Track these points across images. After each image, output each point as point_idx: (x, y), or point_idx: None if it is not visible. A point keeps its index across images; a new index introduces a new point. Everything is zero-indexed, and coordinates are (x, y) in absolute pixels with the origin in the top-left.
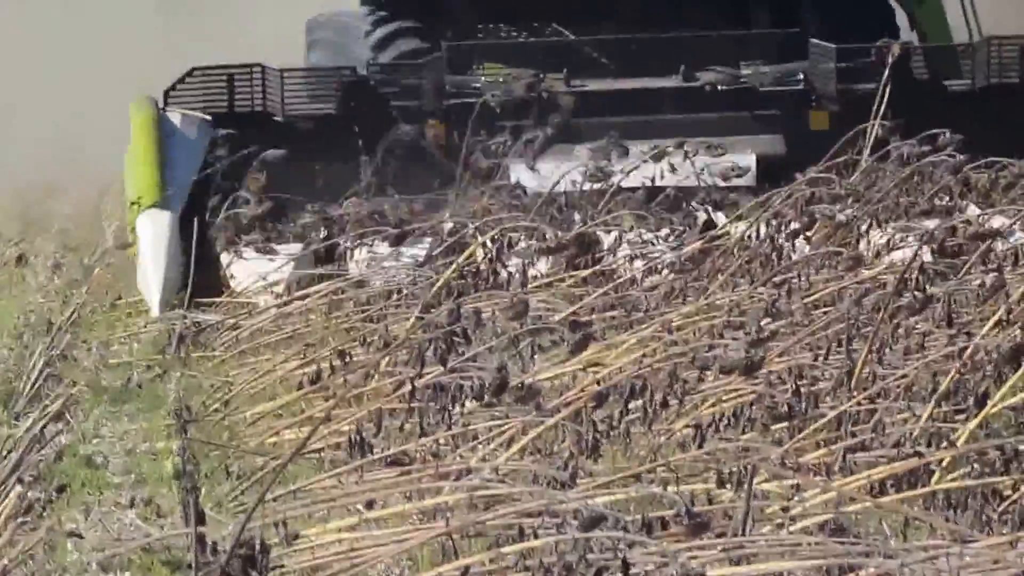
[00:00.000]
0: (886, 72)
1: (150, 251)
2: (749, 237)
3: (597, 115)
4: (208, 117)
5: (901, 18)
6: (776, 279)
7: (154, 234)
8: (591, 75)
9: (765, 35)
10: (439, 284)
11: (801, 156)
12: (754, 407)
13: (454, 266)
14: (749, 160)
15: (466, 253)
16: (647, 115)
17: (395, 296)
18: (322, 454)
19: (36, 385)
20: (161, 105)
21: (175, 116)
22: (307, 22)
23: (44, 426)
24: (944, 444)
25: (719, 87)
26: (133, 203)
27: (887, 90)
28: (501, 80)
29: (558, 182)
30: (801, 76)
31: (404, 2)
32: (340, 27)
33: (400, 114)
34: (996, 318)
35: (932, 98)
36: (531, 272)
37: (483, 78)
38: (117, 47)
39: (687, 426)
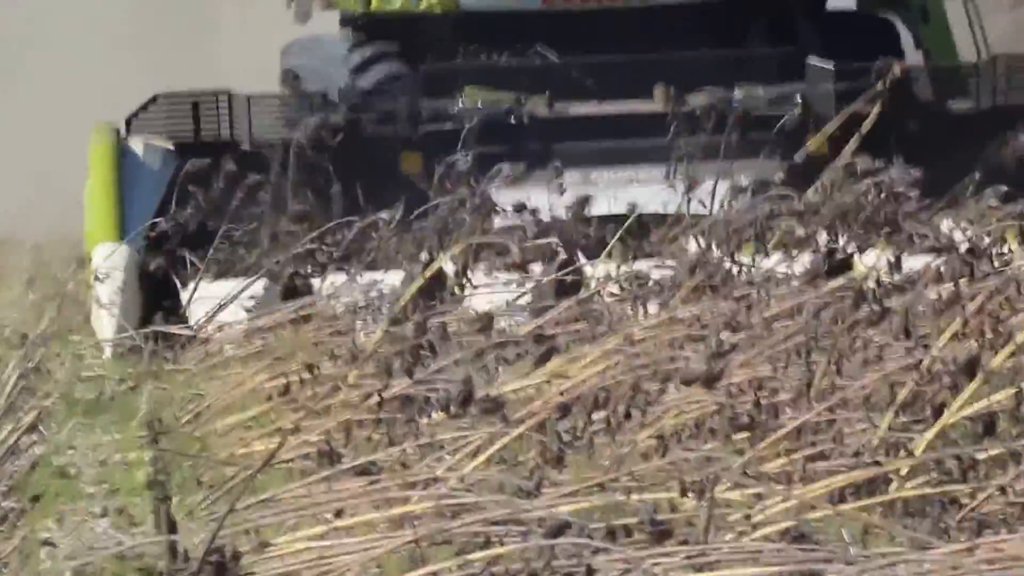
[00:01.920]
0: (877, 90)
1: (104, 287)
2: (709, 252)
3: (581, 139)
4: (172, 146)
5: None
6: (736, 293)
7: (110, 269)
8: (576, 98)
9: (759, 55)
10: (405, 297)
11: (798, 181)
12: (715, 418)
13: (418, 279)
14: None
15: (432, 266)
16: (633, 140)
17: (363, 310)
18: (292, 464)
19: (10, 398)
20: (123, 133)
21: (137, 145)
22: (282, 48)
23: (19, 437)
24: (902, 453)
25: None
26: (89, 235)
27: (881, 111)
28: (480, 105)
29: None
30: (798, 98)
31: (383, 25)
32: (317, 52)
33: (374, 141)
34: (952, 330)
35: (935, 119)
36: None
37: (461, 103)
38: (84, 72)
39: (650, 436)
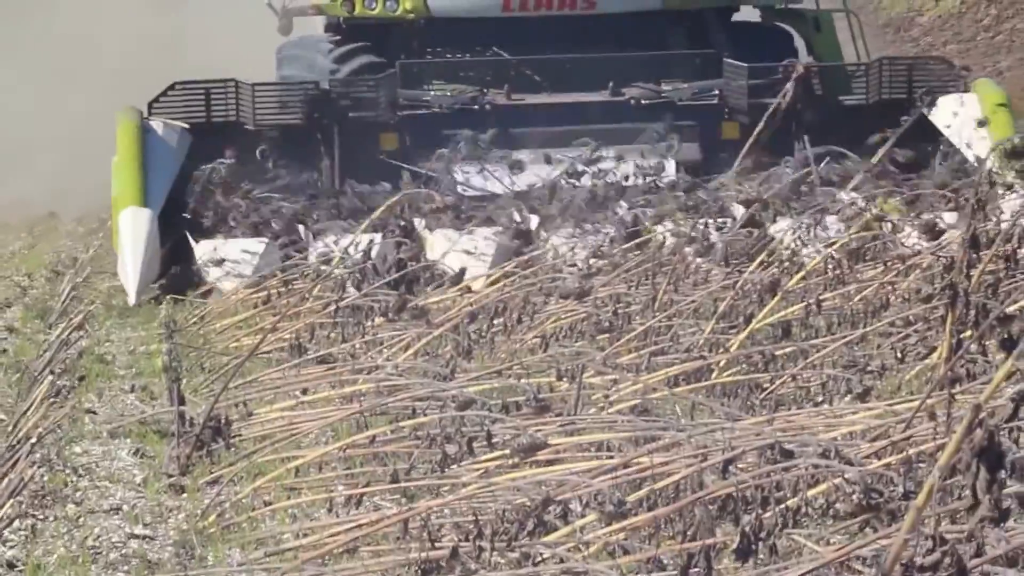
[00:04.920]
0: (790, 87)
1: (129, 244)
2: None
3: (534, 125)
4: (187, 126)
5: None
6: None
7: (134, 229)
8: (529, 91)
9: (684, 56)
10: (359, 230)
11: (714, 162)
12: (584, 323)
13: (370, 218)
14: (669, 165)
15: (379, 210)
16: (578, 125)
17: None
18: (270, 355)
19: (64, 304)
20: (145, 115)
21: (157, 125)
22: (277, 47)
23: (69, 333)
24: (721, 350)
25: (643, 101)
26: (116, 200)
27: (789, 104)
28: (449, 94)
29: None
30: (716, 92)
31: (363, 29)
32: (307, 45)
33: (357, 124)
34: (760, 259)
35: (830, 111)
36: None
37: (432, 92)
38: (109, 62)
39: (535, 336)
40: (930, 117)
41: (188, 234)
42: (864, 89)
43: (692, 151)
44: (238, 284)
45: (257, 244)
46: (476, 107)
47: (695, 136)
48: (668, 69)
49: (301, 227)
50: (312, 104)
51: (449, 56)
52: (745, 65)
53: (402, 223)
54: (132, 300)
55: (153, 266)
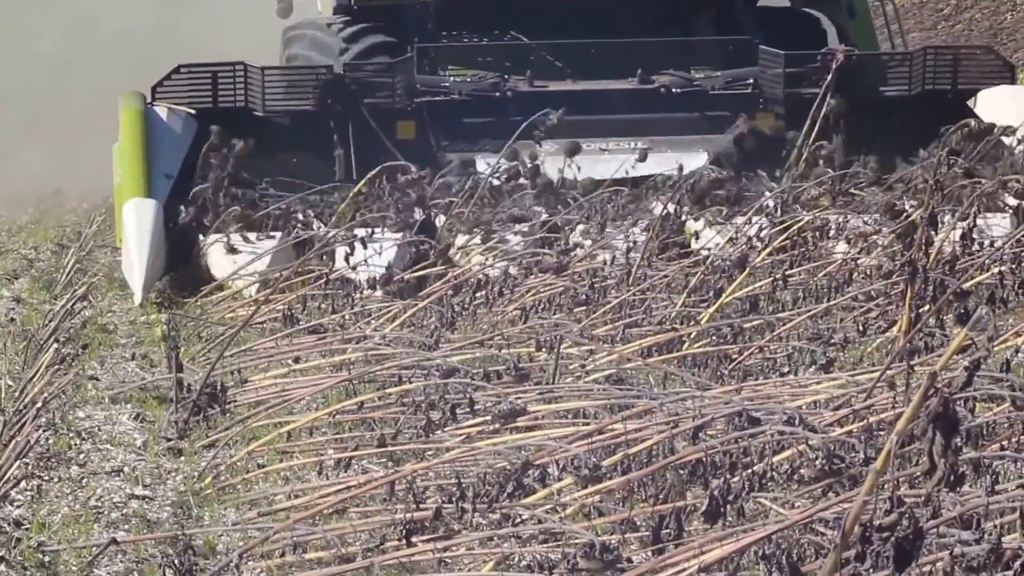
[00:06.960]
0: (830, 77)
1: (134, 238)
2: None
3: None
4: (193, 111)
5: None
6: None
7: (138, 222)
8: (552, 77)
9: (716, 42)
10: (343, 205)
11: (748, 154)
12: (562, 296)
13: (354, 191)
14: (701, 158)
15: (367, 176)
16: (605, 114)
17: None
18: (264, 325)
19: (69, 276)
20: (149, 100)
21: (162, 111)
22: (284, 29)
23: (73, 304)
24: (692, 322)
25: (673, 89)
26: (119, 190)
27: (829, 94)
28: (468, 80)
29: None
30: (751, 80)
31: (373, 11)
32: (315, 27)
33: (372, 111)
34: (729, 237)
35: (870, 102)
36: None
37: (451, 78)
38: (110, 48)
39: (516, 309)
40: (976, 111)
41: (195, 227)
42: (906, 80)
43: (725, 142)
44: (252, 282)
45: (269, 240)
46: (497, 94)
47: (727, 126)
48: (698, 56)
49: (316, 221)
50: (325, 89)
51: (465, 39)
52: (781, 53)
53: (418, 215)
54: (138, 298)
55: (159, 261)
